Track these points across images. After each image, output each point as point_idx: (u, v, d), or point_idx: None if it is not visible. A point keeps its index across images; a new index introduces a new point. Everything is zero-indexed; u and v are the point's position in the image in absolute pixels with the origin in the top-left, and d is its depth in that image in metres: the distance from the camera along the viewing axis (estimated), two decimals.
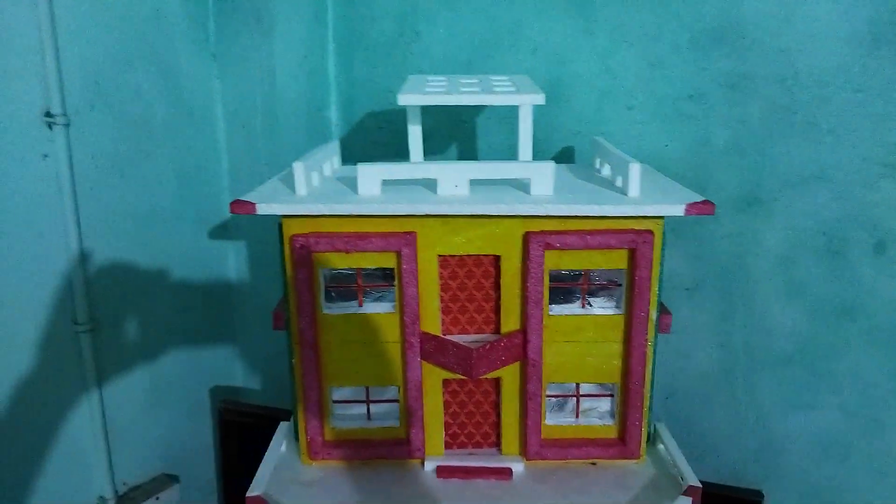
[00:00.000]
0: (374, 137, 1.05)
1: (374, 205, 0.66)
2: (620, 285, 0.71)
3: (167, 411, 1.05)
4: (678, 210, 0.64)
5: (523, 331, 0.71)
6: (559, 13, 0.89)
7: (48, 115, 0.84)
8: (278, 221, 0.68)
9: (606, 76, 0.88)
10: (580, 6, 0.87)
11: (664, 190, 0.72)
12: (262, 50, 1.02)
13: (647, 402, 0.73)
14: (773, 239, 0.83)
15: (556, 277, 0.71)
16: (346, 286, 0.72)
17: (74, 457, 0.93)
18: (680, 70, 0.84)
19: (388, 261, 0.69)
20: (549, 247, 0.67)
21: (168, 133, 1.00)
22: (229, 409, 1.06)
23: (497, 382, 0.74)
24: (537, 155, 0.94)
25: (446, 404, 0.75)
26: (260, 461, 0.75)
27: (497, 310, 0.72)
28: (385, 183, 0.70)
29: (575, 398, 0.76)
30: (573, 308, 0.72)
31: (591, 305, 0.72)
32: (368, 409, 0.76)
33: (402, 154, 0.79)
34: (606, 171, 0.78)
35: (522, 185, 0.70)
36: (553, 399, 0.76)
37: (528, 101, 0.70)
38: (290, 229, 0.68)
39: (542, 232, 0.67)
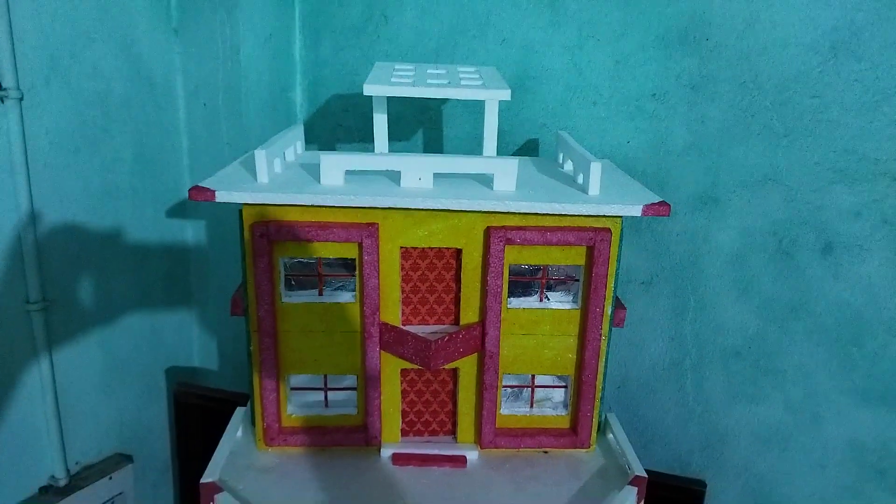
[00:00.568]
0: (340, 120, 1.05)
1: (336, 196, 0.66)
2: (578, 280, 0.73)
3: (122, 391, 1.04)
4: (636, 210, 0.66)
5: (482, 323, 0.72)
6: (528, 5, 0.89)
7: (0, 88, 0.81)
8: (239, 208, 0.67)
9: (573, 71, 0.89)
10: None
11: (623, 189, 0.73)
12: (225, 27, 1.00)
13: (598, 394, 0.75)
14: (726, 238, 0.86)
15: (515, 271, 0.72)
16: (307, 275, 0.72)
17: (25, 436, 0.91)
18: (644, 68, 0.85)
19: (350, 251, 0.69)
20: (509, 242, 0.68)
21: (127, 109, 0.97)
22: (185, 391, 1.06)
23: (454, 372, 0.75)
24: (503, 146, 0.95)
25: (404, 393, 0.76)
26: (216, 445, 0.75)
27: (457, 302, 0.73)
28: (348, 172, 0.69)
29: (530, 389, 0.77)
30: (531, 302, 0.73)
31: (548, 299, 0.74)
32: (326, 397, 0.76)
33: (367, 138, 0.79)
34: (569, 166, 0.79)
35: (486, 180, 0.71)
36: (509, 389, 0.77)
37: (494, 97, 0.70)
38: (251, 217, 0.67)
39: (504, 227, 0.68)
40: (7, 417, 0.89)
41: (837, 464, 0.87)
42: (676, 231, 0.88)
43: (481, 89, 0.70)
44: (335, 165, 0.68)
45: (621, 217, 0.68)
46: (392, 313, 0.71)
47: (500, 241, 0.68)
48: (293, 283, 0.72)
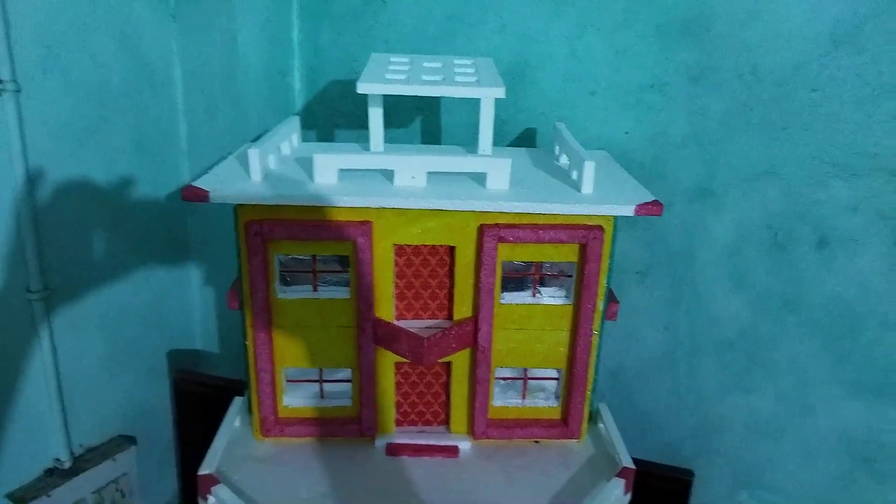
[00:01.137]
0: (338, 107, 1.04)
1: (329, 195, 0.66)
2: (571, 276, 0.73)
3: (124, 375, 1.06)
4: (628, 210, 0.66)
5: (475, 318, 0.72)
6: None
7: None
8: (234, 205, 0.67)
9: (572, 60, 0.88)
10: None
11: (618, 185, 0.73)
12: (222, 13, 0.99)
13: (590, 387, 0.76)
14: (722, 230, 0.85)
15: (508, 267, 0.72)
16: (302, 271, 0.73)
17: (30, 421, 0.93)
18: (644, 59, 0.84)
19: (344, 249, 0.70)
20: (502, 240, 0.69)
21: (125, 98, 0.97)
22: (186, 379, 1.07)
23: (448, 365, 0.76)
24: (501, 135, 0.94)
25: (398, 385, 0.77)
26: (216, 430, 0.77)
27: (450, 297, 0.73)
28: (342, 170, 0.69)
29: (522, 381, 0.78)
30: (524, 297, 0.74)
31: (541, 295, 0.74)
32: (321, 389, 0.78)
33: (365, 124, 0.78)
34: (564, 160, 0.79)
35: (479, 177, 0.71)
36: (501, 381, 0.78)
37: (488, 95, 0.70)
38: (245, 215, 0.67)
39: (496, 225, 0.68)
40: (11, 403, 0.91)
41: (827, 453, 0.88)
42: (673, 222, 0.88)
43: (475, 87, 0.69)
44: (328, 164, 0.68)
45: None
46: (386, 309, 0.72)
47: (493, 239, 0.68)
48: (288, 278, 0.73)
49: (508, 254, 0.70)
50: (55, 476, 0.96)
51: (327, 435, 0.77)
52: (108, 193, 0.97)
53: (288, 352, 0.74)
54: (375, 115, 0.76)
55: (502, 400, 0.78)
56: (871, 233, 0.78)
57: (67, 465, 0.98)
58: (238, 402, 0.82)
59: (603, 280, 0.71)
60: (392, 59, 0.80)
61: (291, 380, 0.77)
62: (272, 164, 0.74)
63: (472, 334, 0.73)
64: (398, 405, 0.78)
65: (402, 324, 0.73)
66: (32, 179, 0.87)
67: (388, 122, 0.98)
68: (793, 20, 0.75)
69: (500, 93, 0.69)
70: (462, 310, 0.73)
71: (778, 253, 0.83)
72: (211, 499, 0.68)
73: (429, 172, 0.69)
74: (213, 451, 0.73)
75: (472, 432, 0.77)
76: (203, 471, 0.70)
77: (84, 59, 0.91)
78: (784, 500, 0.92)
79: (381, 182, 0.70)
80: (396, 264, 0.72)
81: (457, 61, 0.80)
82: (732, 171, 0.83)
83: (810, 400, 0.87)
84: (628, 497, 0.71)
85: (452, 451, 0.76)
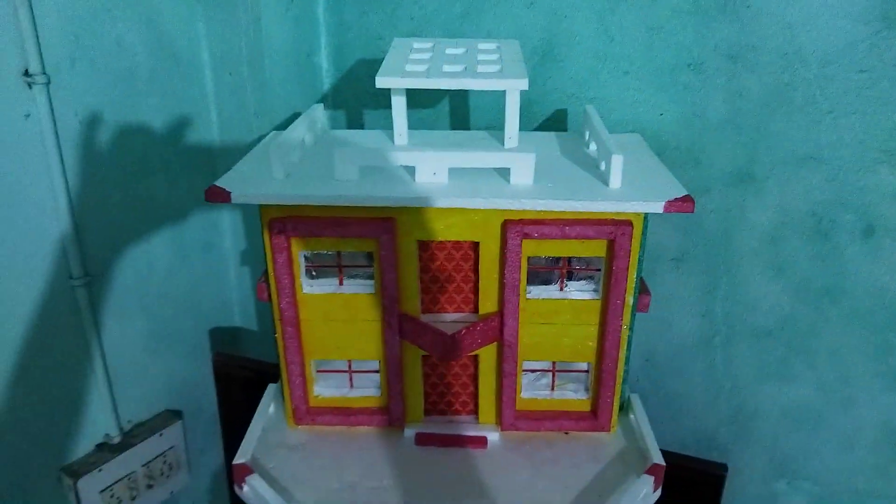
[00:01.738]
0: (366, 86, 1.03)
1: (350, 193, 0.65)
2: (599, 270, 0.71)
3: (167, 353, 1.10)
4: (657, 207, 0.64)
5: (500, 314, 0.72)
6: None
7: (27, 74, 0.82)
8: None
9: (604, 37, 0.84)
10: None
11: (649, 176, 0.70)
12: None
13: (619, 381, 0.75)
14: (762, 216, 0.82)
15: (534, 262, 0.71)
16: (327, 265, 0.73)
17: (80, 400, 0.98)
18: (680, 36, 0.80)
19: (368, 245, 0.69)
20: (526, 236, 0.67)
21: (154, 83, 0.98)
22: (225, 362, 1.10)
23: (475, 358, 0.76)
24: (530, 116, 0.92)
25: (426, 376, 0.77)
26: (254, 408, 0.79)
27: (476, 291, 0.73)
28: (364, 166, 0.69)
29: (550, 373, 0.78)
30: (551, 291, 0.73)
31: (568, 289, 0.73)
32: (351, 379, 0.79)
33: None
34: (593, 147, 0.77)
35: (503, 170, 0.69)
36: (530, 373, 0.78)
37: (510, 87, 0.67)
38: (269, 214, 0.68)
39: (521, 221, 0.67)
40: (62, 383, 0.95)
41: (867, 445, 0.85)
42: (710, 208, 0.84)
43: (498, 79, 0.67)
44: (349, 160, 0.68)
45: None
46: (411, 303, 0.72)
47: (518, 235, 0.67)
48: (314, 273, 0.73)
49: (534, 249, 0.69)
50: (105, 451, 1.01)
51: (357, 424, 0.78)
52: (141, 179, 0.99)
53: (316, 344, 0.75)
54: (399, 106, 0.74)
55: (531, 392, 0.78)
56: None
57: (117, 440, 1.02)
58: (272, 388, 0.84)
59: (632, 275, 0.69)
60: (414, 46, 0.77)
61: (321, 370, 0.79)
62: (295, 158, 0.73)
63: (498, 329, 0.72)
64: (426, 395, 0.79)
65: (427, 317, 0.73)
66: (67, 169, 0.89)
67: (416, 103, 0.96)
68: None
69: (524, 84, 0.66)
70: (487, 304, 0.72)
71: (821, 241, 0.80)
72: (246, 487, 0.70)
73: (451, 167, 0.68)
74: (247, 440, 0.75)
75: (500, 423, 0.77)
76: (238, 460, 0.72)
77: (110, 45, 0.91)
78: (822, 490, 0.90)
79: (404, 177, 0.69)
80: (421, 259, 0.71)
81: (481, 45, 0.78)
82: (773, 156, 0.79)
83: (851, 391, 0.84)
84: (657, 494, 0.71)
85: (481, 441, 0.76)
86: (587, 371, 0.77)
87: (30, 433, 0.93)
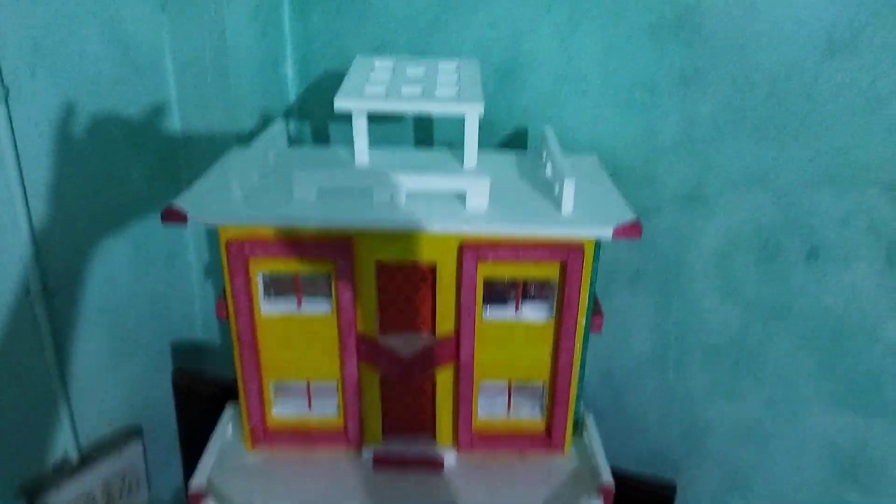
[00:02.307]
0: (332, 97, 1.02)
1: (307, 215, 0.66)
2: (553, 291, 0.73)
3: (128, 367, 1.09)
4: (606, 233, 0.65)
5: (456, 335, 0.73)
6: None
7: None
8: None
9: (562, 57, 0.85)
10: None
11: (600, 201, 0.72)
12: (211, 1, 0.97)
13: (573, 401, 0.76)
14: (712, 237, 0.84)
15: (490, 283, 0.72)
16: (285, 287, 0.73)
17: (37, 417, 0.96)
18: (635, 58, 0.82)
19: (326, 266, 0.70)
20: (482, 259, 0.68)
21: (117, 92, 0.97)
22: (184, 378, 1.10)
23: (432, 378, 0.77)
24: (492, 134, 0.93)
25: (384, 396, 0.78)
26: (214, 427, 0.80)
27: (433, 311, 0.74)
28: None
29: (506, 394, 0.79)
30: (506, 313, 0.74)
31: (524, 310, 0.74)
32: (309, 400, 0.79)
33: None
34: (549, 170, 0.78)
35: (461, 194, 0.70)
36: (486, 393, 0.79)
37: (466, 111, 0.69)
38: (226, 234, 0.68)
39: (477, 244, 0.68)
40: (19, 401, 0.94)
41: (814, 463, 0.88)
42: (663, 227, 0.86)
43: (455, 102, 0.68)
44: (307, 182, 0.68)
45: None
46: (368, 325, 0.73)
47: (473, 258, 0.68)
48: (272, 293, 0.73)
49: (489, 271, 0.70)
50: (64, 469, 1.00)
51: (315, 446, 0.78)
52: (103, 190, 0.98)
53: (274, 365, 0.75)
54: (359, 126, 0.75)
55: (487, 412, 0.79)
56: (862, 246, 0.76)
57: (75, 458, 1.01)
58: (230, 410, 0.83)
59: (584, 297, 0.71)
60: (376, 64, 0.78)
61: (279, 391, 0.79)
62: (255, 177, 0.73)
63: (454, 350, 0.73)
64: (384, 415, 0.79)
65: (385, 338, 0.74)
66: (26, 182, 0.88)
67: (380, 118, 0.97)
68: (788, 24, 0.72)
69: (479, 108, 0.68)
70: (444, 325, 0.73)
71: (768, 262, 0.82)
72: None
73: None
74: (204, 463, 0.75)
75: (457, 444, 0.78)
76: (193, 485, 0.72)
77: (72, 54, 0.90)
78: None
79: (362, 198, 0.69)
80: (378, 280, 0.72)
81: (441, 65, 0.79)
82: (723, 177, 0.81)
83: (797, 408, 0.87)
84: None
85: (438, 464, 0.77)
86: (541, 391, 0.78)
87: None
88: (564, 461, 0.78)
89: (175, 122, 1.07)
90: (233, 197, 0.69)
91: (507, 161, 0.83)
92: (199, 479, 0.72)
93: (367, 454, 0.77)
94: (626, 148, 0.85)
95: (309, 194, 0.69)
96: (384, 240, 0.68)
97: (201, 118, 1.06)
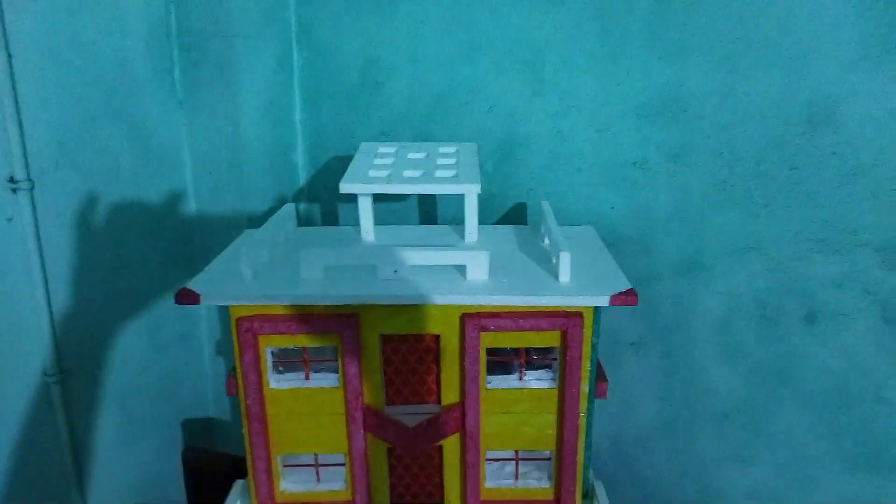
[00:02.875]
0: (340, 180, 1.08)
1: (314, 293, 0.69)
2: (556, 359, 0.74)
3: (139, 446, 1.10)
4: (603, 301, 0.67)
5: (461, 404, 0.74)
6: (513, 75, 0.90)
7: (11, 180, 0.87)
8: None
9: (556, 138, 0.90)
10: (533, 70, 0.89)
11: (597, 269, 0.74)
12: (226, 99, 1.04)
13: (580, 468, 0.77)
14: (712, 303, 0.86)
15: (493, 352, 0.74)
16: (293, 360, 0.75)
17: (49, 496, 0.97)
18: (625, 137, 0.86)
19: (332, 340, 0.72)
20: (483, 329, 0.70)
21: (136, 184, 1.02)
22: (194, 456, 1.11)
23: (440, 448, 0.77)
24: (493, 209, 0.97)
25: (392, 467, 0.79)
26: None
27: (438, 382, 0.75)
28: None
29: (514, 462, 0.79)
30: (510, 381, 0.75)
31: (527, 378, 0.75)
32: (318, 473, 0.80)
33: None
34: (547, 242, 0.81)
35: (461, 267, 0.73)
36: (494, 462, 0.80)
37: (465, 191, 0.72)
38: (237, 312, 0.71)
39: (478, 315, 0.70)
40: (32, 479, 0.95)
41: None
42: (663, 295, 0.89)
43: (454, 184, 0.72)
44: (314, 261, 0.71)
45: None
46: (375, 396, 0.74)
47: (475, 328, 0.70)
48: (280, 368, 0.76)
49: (491, 341, 0.72)
50: None
51: None
52: (121, 276, 1.02)
53: (282, 438, 0.76)
54: (365, 207, 0.79)
55: (495, 481, 0.79)
56: (858, 308, 0.78)
57: None
58: (239, 484, 0.84)
59: (586, 364, 0.72)
60: (379, 150, 0.83)
61: (288, 464, 0.80)
62: (264, 257, 0.77)
63: (460, 420, 0.74)
64: (393, 487, 0.80)
65: (392, 409, 0.76)
66: (47, 269, 0.92)
67: (387, 198, 1.01)
68: (766, 102, 0.77)
69: (476, 189, 0.71)
70: (450, 395, 0.74)
71: (768, 326, 0.84)
72: None
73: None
74: None
75: None
76: None
77: (95, 149, 0.96)
78: None
79: (366, 274, 0.72)
80: (384, 352, 0.74)
81: (441, 149, 0.83)
82: (718, 246, 0.84)
83: (810, 472, 0.86)
84: None
85: None
86: (550, 459, 0.79)
87: None
88: None
89: (191, 209, 1.12)
90: (243, 277, 0.72)
91: (507, 235, 0.86)
92: None
93: None
94: (621, 220, 0.89)
95: (316, 272, 0.72)
96: (388, 313, 0.71)
97: (216, 204, 1.11)
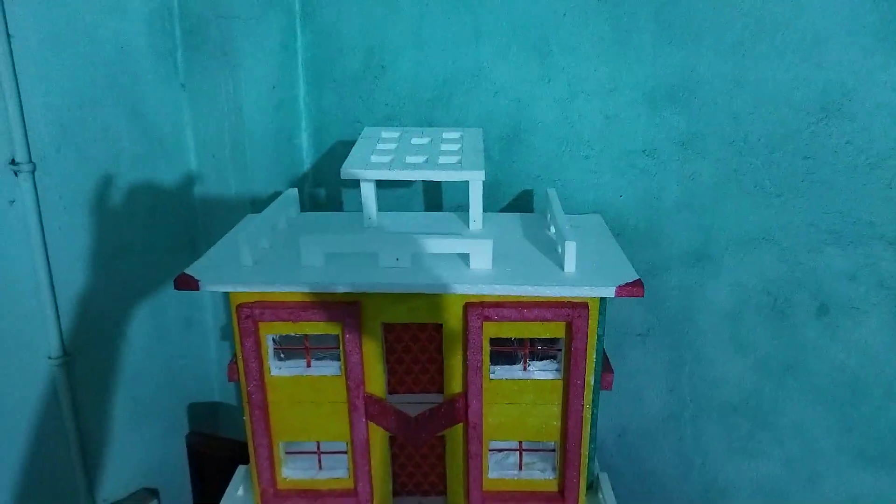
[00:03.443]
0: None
1: (314, 280, 0.68)
2: (561, 350, 0.73)
3: (145, 431, 1.10)
4: (609, 292, 0.66)
5: (464, 394, 0.73)
6: (520, 59, 0.89)
7: (13, 162, 0.86)
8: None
9: (564, 124, 0.88)
10: (540, 54, 0.87)
11: (603, 259, 0.73)
12: (229, 82, 1.03)
13: (584, 460, 0.76)
14: (720, 294, 0.85)
15: (497, 342, 0.73)
16: (295, 348, 0.74)
17: (56, 479, 0.97)
18: (634, 124, 0.84)
19: (334, 328, 0.71)
20: (487, 319, 0.69)
21: (137, 167, 1.01)
22: (198, 441, 1.11)
23: (442, 437, 0.77)
24: (499, 197, 0.95)
25: (394, 456, 0.78)
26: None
27: (441, 371, 0.74)
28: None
29: (517, 453, 0.78)
30: (514, 371, 0.74)
31: (532, 369, 0.74)
32: (319, 460, 0.79)
33: None
34: (553, 231, 0.80)
35: (465, 256, 0.72)
36: (497, 453, 0.79)
37: (468, 178, 0.71)
38: (237, 299, 0.70)
39: (481, 304, 0.69)
40: (38, 463, 0.95)
41: None
42: (671, 286, 0.87)
43: (456, 170, 0.71)
44: (314, 248, 0.70)
45: None
46: (377, 385, 0.74)
47: (478, 318, 0.69)
48: (282, 355, 0.75)
49: (495, 331, 0.71)
50: None
51: None
52: (124, 259, 1.01)
53: (284, 426, 0.76)
54: (368, 193, 0.78)
55: (498, 472, 0.78)
56: (871, 301, 0.76)
57: None
58: (242, 470, 0.84)
59: (591, 355, 0.71)
60: (383, 135, 0.82)
61: (290, 451, 0.79)
62: (265, 244, 0.76)
63: (463, 410, 0.73)
64: (395, 476, 0.79)
65: (394, 398, 0.75)
66: (50, 252, 0.91)
67: (391, 184, 1.00)
68: (779, 88, 0.75)
69: (480, 176, 0.70)
70: (453, 385, 0.73)
71: (778, 319, 0.82)
72: None
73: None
74: None
75: None
76: None
77: (96, 132, 0.95)
78: None
79: (368, 261, 0.71)
80: (386, 341, 0.73)
81: (445, 135, 0.82)
82: (728, 237, 0.82)
83: (818, 467, 0.85)
84: None
85: None
86: (554, 450, 0.78)
87: None
88: None
89: (194, 193, 1.11)
90: (242, 263, 0.71)
91: (512, 222, 0.85)
92: None
93: None
94: (629, 209, 0.87)
95: (316, 259, 0.71)
96: (390, 301, 0.70)
97: (219, 188, 1.10)
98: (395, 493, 0.79)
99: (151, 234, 1.05)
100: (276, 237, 0.79)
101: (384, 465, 0.77)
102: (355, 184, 1.04)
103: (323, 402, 0.74)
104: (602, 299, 0.69)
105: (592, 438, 0.76)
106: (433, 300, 0.70)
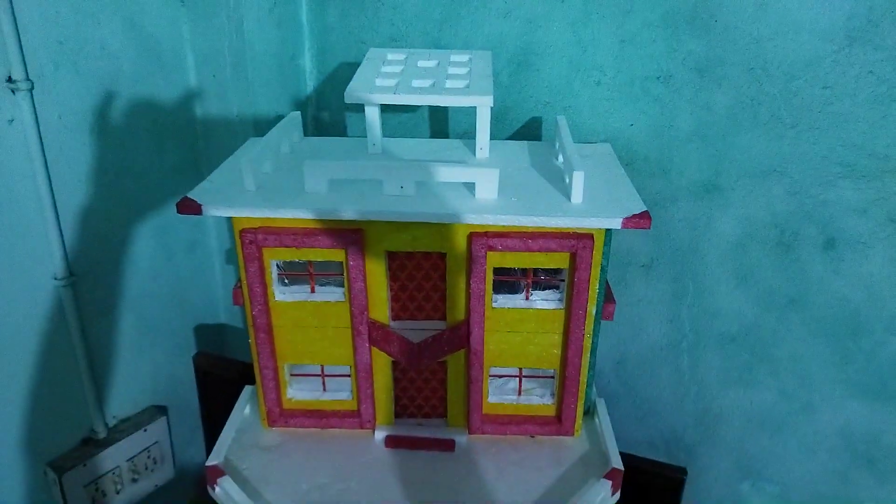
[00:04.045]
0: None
1: (318, 206, 0.67)
2: (564, 280, 0.73)
3: (153, 350, 1.12)
4: (615, 224, 0.65)
5: (467, 322, 0.74)
6: None
7: (10, 80, 0.84)
8: None
9: (577, 48, 0.85)
10: None
11: (611, 191, 0.72)
12: None
13: (583, 387, 0.77)
14: (727, 227, 0.84)
15: (500, 271, 0.73)
16: (299, 273, 0.75)
17: (65, 396, 1.00)
18: (650, 48, 0.81)
19: (337, 255, 0.71)
20: (491, 248, 0.69)
21: (138, 85, 0.99)
22: (205, 361, 1.13)
23: (444, 363, 0.78)
24: (506, 124, 0.93)
25: (396, 380, 0.79)
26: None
27: (444, 298, 0.75)
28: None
29: (517, 379, 0.80)
30: (517, 300, 0.75)
31: (534, 298, 0.75)
32: (324, 383, 0.81)
33: None
34: (561, 160, 0.78)
35: (470, 184, 0.71)
36: (497, 379, 0.80)
37: (476, 104, 0.69)
38: (240, 224, 0.70)
39: (486, 234, 0.69)
40: (48, 381, 0.98)
41: (828, 450, 0.88)
42: (678, 217, 0.86)
43: (464, 95, 0.68)
44: (318, 173, 0.69)
45: None
46: (380, 311, 0.74)
47: (482, 247, 0.69)
48: (286, 280, 0.75)
49: (498, 260, 0.71)
50: (91, 446, 1.04)
51: (329, 426, 0.80)
52: (125, 180, 1.01)
53: (288, 349, 0.77)
54: (372, 117, 0.76)
55: (498, 397, 0.80)
56: (880, 236, 0.75)
57: (102, 435, 1.05)
58: (248, 390, 0.86)
59: (594, 286, 0.71)
60: (388, 57, 0.79)
61: (295, 374, 0.81)
62: (268, 168, 0.75)
63: (465, 337, 0.74)
64: (397, 399, 0.81)
65: (397, 325, 0.75)
66: (51, 172, 0.91)
67: (396, 108, 0.98)
68: (804, 13, 0.71)
69: (488, 101, 0.68)
70: (455, 313, 0.74)
71: (784, 252, 0.81)
72: (217, 489, 0.72)
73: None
74: (221, 441, 0.78)
75: (468, 427, 0.80)
76: (211, 461, 0.75)
77: (94, 50, 0.92)
78: (784, 492, 0.92)
79: (372, 189, 0.70)
80: (389, 268, 0.73)
81: (453, 57, 0.79)
82: (739, 168, 0.81)
83: (812, 398, 0.86)
84: (616, 497, 0.73)
85: (448, 444, 0.79)
86: (553, 377, 0.79)
87: (15, 429, 0.95)
88: (574, 444, 0.79)
89: (196, 113, 1.09)
90: (245, 188, 0.70)
91: (520, 151, 0.83)
92: (216, 456, 0.74)
93: (380, 435, 0.79)
94: (640, 138, 0.85)
95: (320, 185, 0.70)
96: (394, 229, 0.69)
97: (221, 109, 1.08)
98: (397, 415, 0.82)
99: (154, 155, 1.04)
100: (280, 162, 0.78)
101: (387, 389, 0.79)
102: (359, 107, 1.02)
103: (327, 326, 0.75)
104: (608, 231, 0.69)
105: (591, 366, 0.77)
106: (437, 229, 0.69)
